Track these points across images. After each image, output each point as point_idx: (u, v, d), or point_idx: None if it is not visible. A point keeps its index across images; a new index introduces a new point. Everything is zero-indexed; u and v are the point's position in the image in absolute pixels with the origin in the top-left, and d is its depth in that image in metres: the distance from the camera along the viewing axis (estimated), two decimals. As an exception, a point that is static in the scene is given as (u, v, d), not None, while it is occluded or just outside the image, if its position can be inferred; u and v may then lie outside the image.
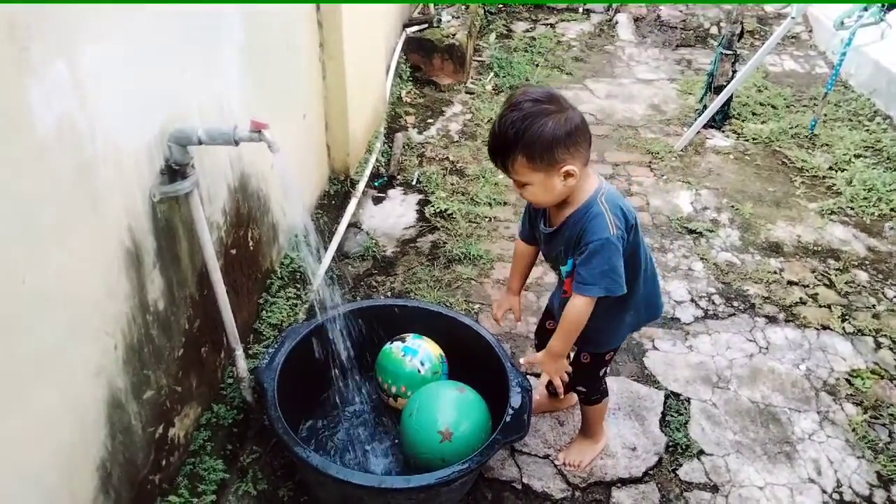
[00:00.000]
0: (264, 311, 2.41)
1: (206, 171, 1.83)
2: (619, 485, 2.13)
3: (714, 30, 6.20)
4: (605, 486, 2.12)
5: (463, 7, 5.37)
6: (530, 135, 1.56)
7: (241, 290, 2.19)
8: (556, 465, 2.18)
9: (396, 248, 3.18)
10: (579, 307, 1.73)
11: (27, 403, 1.22)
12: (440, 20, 5.04)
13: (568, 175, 1.61)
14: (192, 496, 1.79)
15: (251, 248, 2.28)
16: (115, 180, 1.44)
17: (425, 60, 4.84)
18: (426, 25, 4.95)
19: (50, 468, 1.30)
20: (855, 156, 3.95)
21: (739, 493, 2.10)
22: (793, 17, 3.68)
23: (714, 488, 2.12)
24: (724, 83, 4.24)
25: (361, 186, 3.34)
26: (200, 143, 1.58)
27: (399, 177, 3.75)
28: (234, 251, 2.10)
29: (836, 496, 2.11)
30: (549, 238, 1.82)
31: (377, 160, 3.71)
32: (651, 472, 2.16)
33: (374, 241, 3.18)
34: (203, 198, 1.77)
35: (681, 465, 2.19)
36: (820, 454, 2.23)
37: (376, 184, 3.64)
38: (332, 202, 3.13)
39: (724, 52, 4.23)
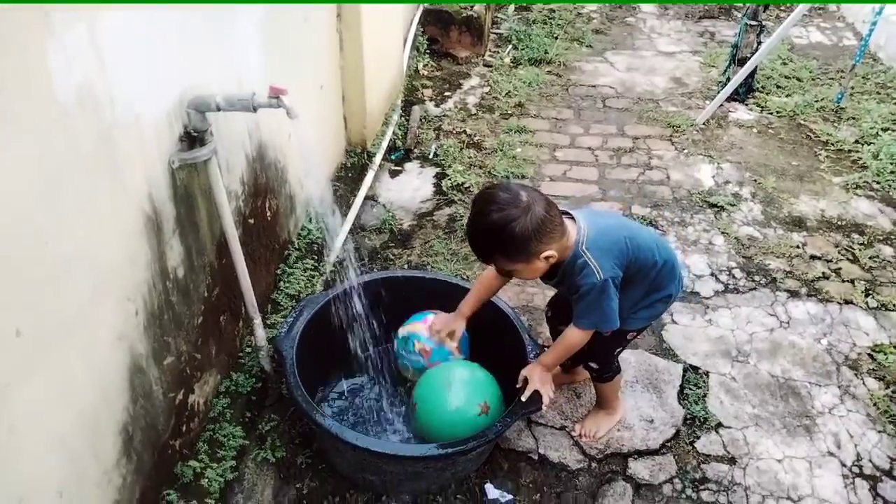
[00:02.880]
0: (282, 282, 2.42)
1: (224, 141, 1.83)
2: (635, 456, 2.13)
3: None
4: (621, 458, 2.13)
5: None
6: (502, 242, 1.66)
7: (258, 260, 2.20)
8: (572, 437, 2.19)
9: (413, 221, 3.18)
10: (574, 336, 1.87)
11: (53, 366, 1.24)
12: (458, -8, 4.96)
13: (548, 258, 1.71)
14: (211, 461, 1.82)
15: (269, 218, 2.29)
16: (135, 147, 1.44)
17: (442, 33, 4.78)
18: (443, -3, 4.88)
19: (74, 430, 1.32)
20: (882, 129, 3.86)
21: (757, 465, 2.10)
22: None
23: (732, 460, 2.11)
24: (749, 55, 4.15)
25: (378, 159, 3.33)
26: (219, 109, 1.58)
27: (416, 150, 3.73)
28: (251, 221, 2.10)
29: (855, 469, 2.09)
30: (554, 286, 1.96)
31: (394, 133, 3.69)
32: (668, 445, 2.16)
33: (390, 214, 3.17)
34: (221, 167, 1.77)
35: (698, 438, 2.18)
36: (840, 428, 2.21)
37: (393, 157, 3.62)
38: (348, 174, 3.13)
39: (749, 22, 4.13)
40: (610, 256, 1.77)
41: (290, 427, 2.13)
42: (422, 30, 4.74)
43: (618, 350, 2.07)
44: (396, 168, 3.58)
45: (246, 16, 1.95)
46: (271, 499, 1.96)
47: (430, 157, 3.67)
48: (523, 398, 1.90)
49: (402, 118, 3.90)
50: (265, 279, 2.29)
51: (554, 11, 5.61)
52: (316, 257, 2.60)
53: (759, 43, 4.15)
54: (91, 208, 1.31)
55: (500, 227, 1.64)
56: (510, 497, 2.02)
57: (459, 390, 1.95)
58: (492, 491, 2.03)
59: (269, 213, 2.28)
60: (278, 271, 2.42)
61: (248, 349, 2.14)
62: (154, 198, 1.53)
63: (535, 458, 2.13)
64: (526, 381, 1.93)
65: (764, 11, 4.12)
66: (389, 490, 1.98)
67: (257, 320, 2.00)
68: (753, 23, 4.12)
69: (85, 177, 1.28)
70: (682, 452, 2.14)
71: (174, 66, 1.56)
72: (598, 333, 1.94)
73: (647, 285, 1.92)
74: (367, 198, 3.25)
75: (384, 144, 3.45)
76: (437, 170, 3.55)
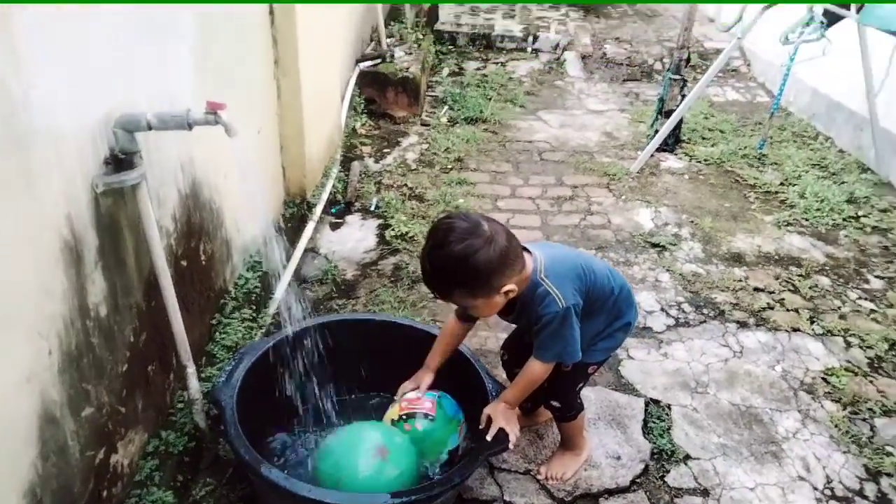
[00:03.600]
0: (217, 333, 2.24)
1: (156, 171, 1.70)
2: (606, 496, 2.01)
3: (658, 65, 6.42)
4: (591, 498, 2.00)
5: (415, 45, 5.42)
6: (465, 274, 1.57)
7: (192, 308, 2.03)
8: (538, 480, 2.05)
9: (357, 271, 3.06)
10: (536, 369, 1.79)
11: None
12: (393, 56, 5.05)
13: (508, 293, 1.64)
14: (139, 531, 1.59)
15: (203, 262, 2.13)
16: (54, 162, 1.30)
17: (379, 94, 4.81)
18: (379, 60, 4.95)
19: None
20: (803, 171, 4.05)
21: (731, 495, 2.01)
22: (738, 37, 3.80)
23: (704, 492, 2.01)
24: (674, 107, 4.33)
25: (319, 210, 3.23)
26: (150, 127, 1.46)
27: (357, 203, 3.65)
28: (184, 263, 1.95)
29: (827, 492, 2.03)
30: (512, 321, 1.90)
31: (333, 187, 3.61)
32: (638, 481, 2.05)
33: (333, 265, 3.05)
34: (152, 200, 1.63)
35: (668, 472, 2.08)
36: (806, 451, 2.16)
37: (333, 211, 3.53)
38: (288, 225, 3.00)
39: (673, 77, 4.33)
40: (569, 283, 1.72)
41: (229, 491, 1.92)
42: (359, 91, 4.76)
43: (580, 386, 1.98)
44: (337, 221, 3.48)
45: (180, 40, 1.87)
46: (209, 573, 1.72)
47: (372, 209, 3.60)
48: (489, 437, 1.77)
49: (342, 173, 3.84)
50: (199, 329, 2.11)
51: (486, 76, 5.78)
52: (255, 307, 2.44)
53: (683, 95, 4.34)
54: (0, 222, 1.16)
55: (462, 258, 1.55)
56: (477, 550, 1.85)
57: (344, 448, 1.81)
58: (457, 545, 1.86)
59: (203, 258, 2.13)
60: (213, 321, 2.24)
61: (180, 404, 1.93)
62: (74, 222, 1.38)
63: (501, 506, 1.97)
64: (489, 420, 1.81)
65: (686, 67, 4.34)
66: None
67: (191, 369, 1.81)
68: (676, 77, 4.32)
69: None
70: (654, 488, 2.03)
71: (101, 81, 1.45)
72: (559, 370, 1.86)
73: (607, 314, 1.87)
74: (307, 250, 3.13)
75: (324, 196, 3.36)
76: (380, 221, 3.47)
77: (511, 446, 1.79)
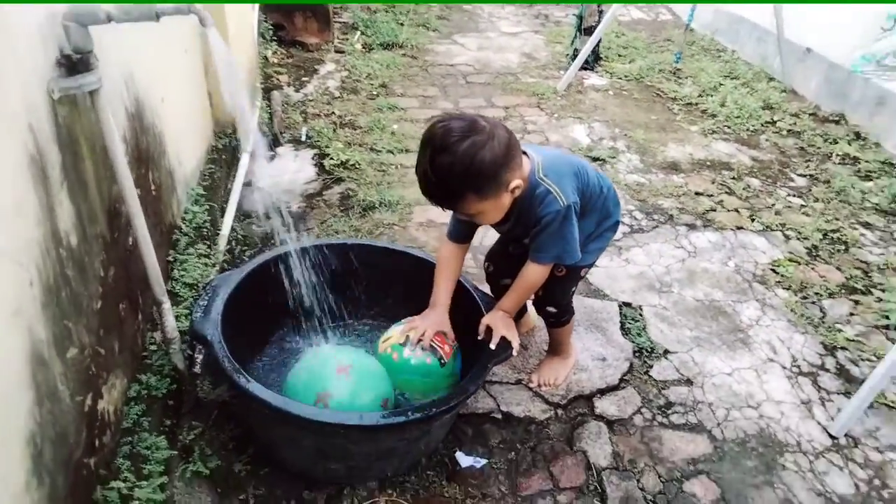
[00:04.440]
0: (175, 270, 2.03)
1: (105, 85, 1.45)
2: (598, 395, 2.04)
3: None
4: (585, 399, 2.03)
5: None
6: (474, 174, 1.47)
7: (149, 242, 1.81)
8: (530, 389, 2.05)
9: (302, 202, 2.88)
10: (534, 273, 1.74)
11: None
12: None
13: (516, 188, 1.56)
14: (138, 479, 1.44)
15: (154, 193, 1.91)
16: (8, 63, 1.07)
17: (287, 20, 4.50)
18: (282, -17, 4.59)
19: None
20: (719, 83, 4.21)
21: (712, 381, 2.10)
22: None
23: (688, 381, 2.10)
24: (594, 24, 4.34)
25: (251, 138, 2.98)
26: (110, 20, 1.24)
27: (285, 134, 3.43)
28: (139, 192, 1.72)
29: (794, 369, 2.17)
30: (507, 231, 1.80)
31: (259, 118, 3.35)
32: (626, 378, 2.10)
33: (275, 198, 2.85)
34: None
35: (651, 367, 2.14)
36: (770, 336, 2.30)
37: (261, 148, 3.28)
38: (222, 156, 2.76)
39: (591, -8, 4.32)
40: (568, 181, 1.68)
41: (219, 432, 1.78)
42: (264, 17, 4.41)
43: (573, 290, 1.97)
44: (269, 153, 3.25)
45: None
46: (212, 518, 1.60)
47: (303, 140, 3.39)
48: (492, 346, 1.73)
49: (265, 103, 3.57)
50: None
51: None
52: (207, 243, 2.23)
53: (601, 11, 4.36)
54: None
55: (469, 157, 1.45)
56: (484, 461, 1.83)
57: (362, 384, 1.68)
58: (464, 459, 1.83)
59: (153, 188, 1.90)
60: (169, 258, 2.03)
61: (153, 346, 1.75)
62: (36, 133, 1.16)
63: (499, 416, 1.96)
64: (489, 330, 1.76)
65: (603, -19, 4.34)
66: (355, 478, 1.70)
67: (166, 305, 1.63)
68: (594, -8, 4.32)
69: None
70: (641, 383, 2.09)
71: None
72: (553, 275, 1.83)
73: (598, 214, 1.85)
74: (244, 185, 2.90)
75: (253, 123, 3.11)
76: (314, 151, 3.28)
77: (514, 353, 1.76)
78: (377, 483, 1.73)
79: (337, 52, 4.56)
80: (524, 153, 1.66)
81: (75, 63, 1.27)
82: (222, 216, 2.51)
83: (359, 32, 4.85)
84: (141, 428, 1.54)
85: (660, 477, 1.79)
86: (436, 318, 1.78)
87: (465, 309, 1.88)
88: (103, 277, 1.46)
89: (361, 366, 1.72)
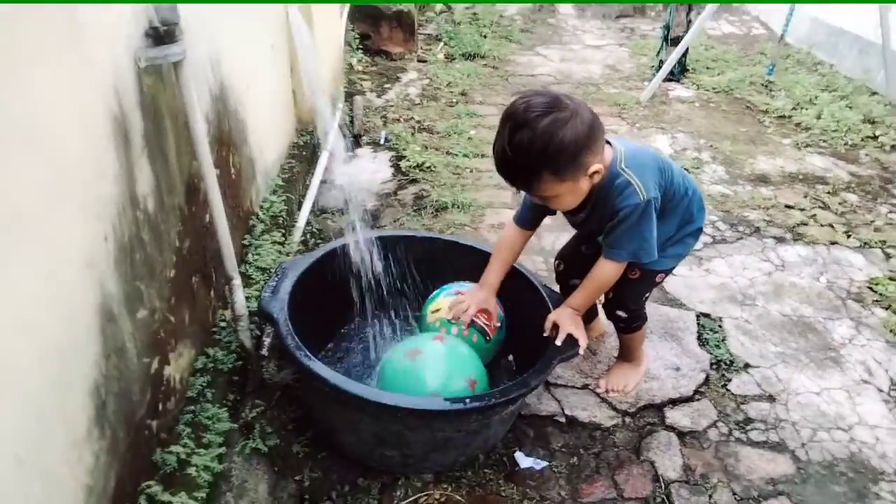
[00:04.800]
0: (249, 254, 2.08)
1: (191, 66, 1.51)
2: (670, 405, 1.93)
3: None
4: (656, 409, 1.92)
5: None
6: (554, 152, 1.41)
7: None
8: (598, 394, 1.96)
9: (378, 201, 2.91)
10: (607, 270, 1.67)
11: (9, 270, 0.89)
12: (384, -9, 4.81)
13: (595, 174, 1.50)
14: (197, 447, 1.46)
15: (233, 176, 1.97)
16: (98, 25, 1.13)
17: (373, 29, 4.60)
18: (371, -6, 4.71)
19: (36, 372, 0.97)
20: (815, 96, 3.99)
21: (798, 400, 1.95)
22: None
23: (770, 398, 1.95)
24: (681, 34, 4.22)
25: (332, 137, 3.05)
26: (195, -7, 1.28)
27: (365, 137, 3.49)
28: (217, 172, 1.77)
29: (893, 393, 1.98)
30: (581, 223, 1.73)
31: (341, 120, 3.43)
32: (701, 390, 1.98)
33: (351, 196, 2.89)
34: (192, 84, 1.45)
35: (730, 380, 2.01)
36: (866, 356, 2.12)
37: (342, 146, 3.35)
38: (302, 153, 2.83)
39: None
40: (650, 175, 1.59)
41: (280, 413, 1.79)
42: (352, 26, 4.54)
43: (646, 295, 1.88)
44: (348, 154, 3.31)
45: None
46: (267, 495, 1.60)
47: (382, 142, 3.43)
48: (557, 342, 1.66)
49: (346, 107, 3.66)
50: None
51: (477, 15, 5.59)
52: (283, 231, 2.28)
53: (689, 21, 4.23)
54: (50, 72, 0.99)
55: (549, 134, 1.39)
56: (545, 464, 1.76)
57: (435, 368, 1.66)
58: (524, 460, 1.77)
59: (233, 171, 1.96)
60: (244, 242, 2.09)
61: (223, 323, 1.79)
62: (121, 96, 1.21)
63: (563, 420, 1.88)
64: (555, 326, 1.70)
65: (693, -9, 4.21)
66: (411, 468, 1.67)
67: (237, 281, 1.67)
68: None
69: (44, 34, 0.96)
70: (717, 396, 1.96)
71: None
72: (626, 277, 1.75)
73: (679, 216, 1.75)
74: (322, 182, 2.96)
75: (335, 124, 3.18)
76: (392, 153, 3.32)
77: (581, 352, 1.69)
78: (432, 476, 1.70)
79: (420, 61, 4.63)
80: (608, 142, 1.60)
81: (162, 35, 1.32)
82: (299, 209, 2.56)
83: (442, 43, 4.91)
84: (204, 399, 1.57)
85: (734, 494, 1.66)
86: (481, 297, 1.78)
87: (530, 305, 1.83)
88: (178, 248, 1.51)
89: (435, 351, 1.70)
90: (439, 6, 5.51)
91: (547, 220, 1.86)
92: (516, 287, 1.90)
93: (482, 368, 1.71)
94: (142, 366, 1.32)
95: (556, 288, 2.01)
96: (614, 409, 1.92)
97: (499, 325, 1.83)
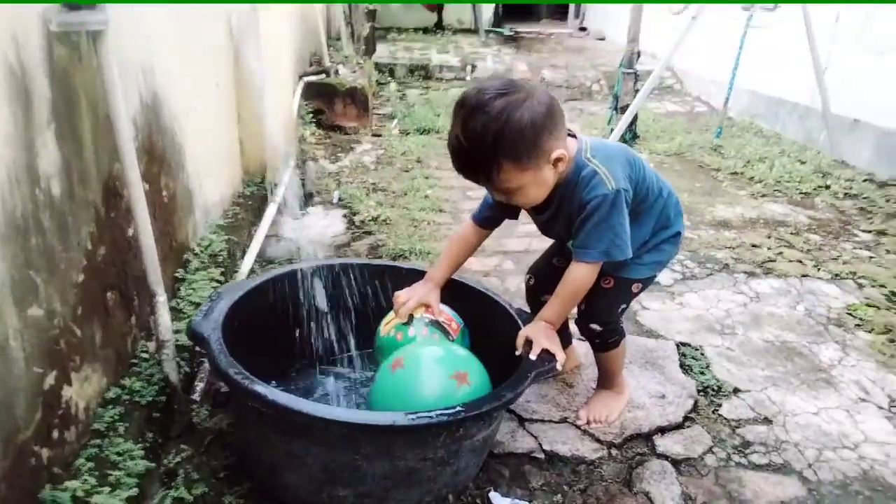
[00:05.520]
0: (182, 289, 1.87)
1: (117, 59, 1.37)
2: (659, 434, 1.73)
3: (595, 87, 6.54)
4: (644, 438, 1.71)
5: (357, 67, 5.27)
6: (512, 134, 1.31)
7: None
8: (578, 427, 1.75)
9: (329, 252, 2.74)
10: (580, 274, 1.52)
11: None
12: (337, 72, 4.87)
13: (558, 161, 1.40)
14: (101, 484, 1.19)
15: (165, 199, 1.79)
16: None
17: (327, 105, 4.60)
18: (324, 75, 4.76)
19: None
20: (763, 156, 4.06)
21: (796, 421, 1.77)
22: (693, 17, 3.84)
23: (767, 420, 1.77)
24: (629, 102, 4.32)
25: (282, 191, 2.91)
26: (115, -49, 1.17)
27: (317, 197, 3.36)
28: (147, 186, 1.60)
29: (894, 409, 1.82)
30: (548, 222, 1.60)
31: (291, 180, 3.30)
32: (691, 416, 1.79)
33: (299, 248, 2.72)
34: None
35: (721, 405, 1.83)
36: (858, 376, 1.97)
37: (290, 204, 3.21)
38: (248, 203, 2.67)
39: (626, 71, 4.34)
40: (619, 166, 1.48)
41: (211, 459, 1.52)
42: (306, 103, 4.53)
43: (622, 307, 1.72)
44: (296, 213, 3.16)
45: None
46: (193, 555, 1.31)
47: (335, 202, 3.31)
48: (532, 356, 1.48)
49: (299, 171, 3.55)
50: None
51: (430, 99, 5.69)
52: (223, 271, 2.08)
53: (636, 91, 4.34)
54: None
55: (506, 116, 1.29)
56: (525, 503, 1.51)
57: (422, 367, 1.47)
58: (500, 500, 1.52)
59: (165, 193, 1.79)
60: (177, 275, 1.88)
61: (144, 354, 1.55)
62: (21, 49, 1.06)
63: (541, 456, 1.65)
64: (528, 342, 1.52)
65: (637, 60, 4.36)
66: (367, 511, 1.41)
67: (160, 297, 1.45)
68: (629, 71, 4.34)
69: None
70: (709, 422, 1.77)
71: None
72: (598, 287, 1.61)
73: (654, 219, 1.63)
74: (268, 236, 2.79)
75: (285, 178, 3.05)
76: (346, 210, 3.18)
77: (559, 367, 1.50)
78: (394, 523, 1.43)
79: (374, 135, 4.61)
80: (572, 135, 1.50)
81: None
82: (242, 256, 2.37)
83: (396, 120, 4.94)
84: (115, 433, 1.31)
85: (743, 522, 1.44)
86: (422, 290, 1.62)
87: (500, 327, 1.65)
88: (89, 251, 1.31)
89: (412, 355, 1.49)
90: (393, 86, 5.62)
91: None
92: (482, 308, 1.72)
93: (470, 357, 1.49)
94: (31, 375, 1.09)
95: (527, 308, 1.84)
96: (598, 440, 1.70)
97: (460, 326, 1.64)
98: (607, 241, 1.48)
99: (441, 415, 1.27)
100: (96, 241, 1.33)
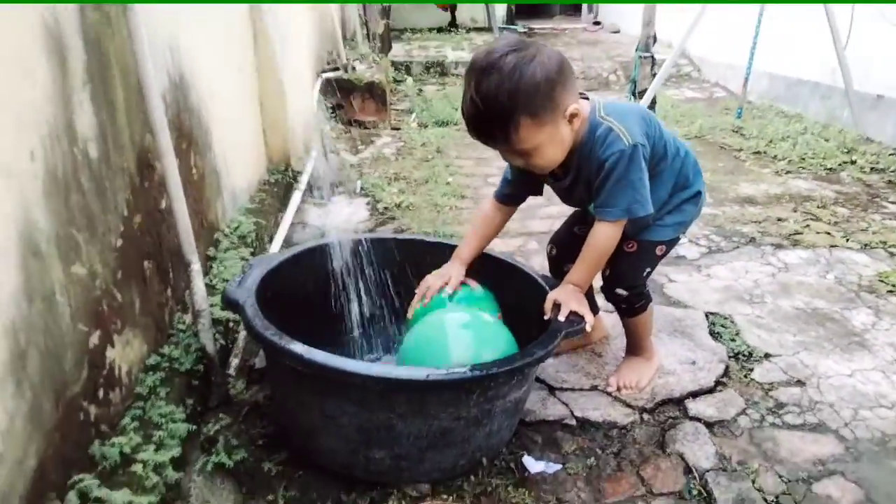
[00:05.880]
0: (214, 266, 1.90)
1: (145, 35, 1.41)
2: (690, 398, 1.72)
3: (612, 77, 6.52)
4: (675, 403, 1.71)
5: (373, 63, 5.31)
6: (526, 89, 1.30)
7: (186, 223, 1.70)
8: (609, 394, 1.75)
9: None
10: (604, 234, 1.52)
11: None
12: (354, 68, 4.91)
13: (573, 116, 1.40)
14: (146, 443, 1.21)
15: (195, 177, 1.82)
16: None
17: (346, 101, 4.63)
18: (342, 72, 4.80)
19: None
20: (786, 135, 4.03)
21: (830, 382, 1.75)
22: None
23: (800, 383, 1.76)
24: (647, 86, 4.31)
25: (305, 178, 2.94)
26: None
27: (340, 188, 3.39)
28: (178, 161, 1.63)
29: (932, 370, 1.80)
30: (568, 189, 1.59)
31: (314, 169, 3.34)
32: (722, 381, 1.78)
33: (325, 234, 2.74)
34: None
35: (752, 370, 1.82)
36: (894, 338, 1.94)
37: (314, 194, 3.24)
38: (274, 190, 2.70)
39: (642, 55, 4.33)
40: (634, 122, 1.48)
41: (249, 428, 1.55)
42: (324, 99, 4.57)
43: (647, 270, 1.72)
44: (320, 202, 3.19)
45: None
46: (233, 517, 1.33)
47: (357, 191, 3.33)
48: (561, 318, 1.48)
49: (321, 162, 3.58)
50: (194, 253, 1.77)
51: (448, 95, 5.70)
52: (252, 251, 2.11)
53: (654, 74, 4.33)
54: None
55: (518, 72, 1.29)
56: (558, 466, 1.52)
57: (462, 339, 1.48)
58: (533, 464, 1.53)
59: (195, 171, 1.82)
60: (209, 254, 1.91)
61: (182, 326, 1.58)
62: (57, 9, 1.09)
63: (573, 423, 1.65)
64: (556, 306, 1.52)
65: (654, 44, 4.35)
66: (404, 473, 1.42)
67: (195, 265, 1.48)
68: (646, 55, 4.33)
69: None
70: (742, 385, 1.76)
71: None
72: (621, 250, 1.61)
73: (673, 178, 1.63)
74: (294, 223, 2.82)
75: (308, 167, 3.09)
76: (368, 199, 3.21)
77: (588, 328, 1.51)
78: (429, 486, 1.44)
79: (393, 129, 4.64)
80: (584, 97, 1.51)
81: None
82: (270, 241, 2.40)
83: (414, 114, 4.96)
84: (157, 396, 1.34)
85: (780, 477, 1.43)
86: (448, 270, 1.63)
87: (524, 293, 1.65)
88: (126, 217, 1.34)
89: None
90: (410, 81, 5.65)
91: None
92: (508, 279, 1.73)
93: (498, 323, 1.51)
94: (77, 333, 1.11)
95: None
96: (629, 406, 1.70)
97: (482, 290, 1.65)
98: (629, 198, 1.47)
99: (475, 369, 1.28)
100: (132, 208, 1.36)
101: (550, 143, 1.41)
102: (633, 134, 1.45)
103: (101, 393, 1.18)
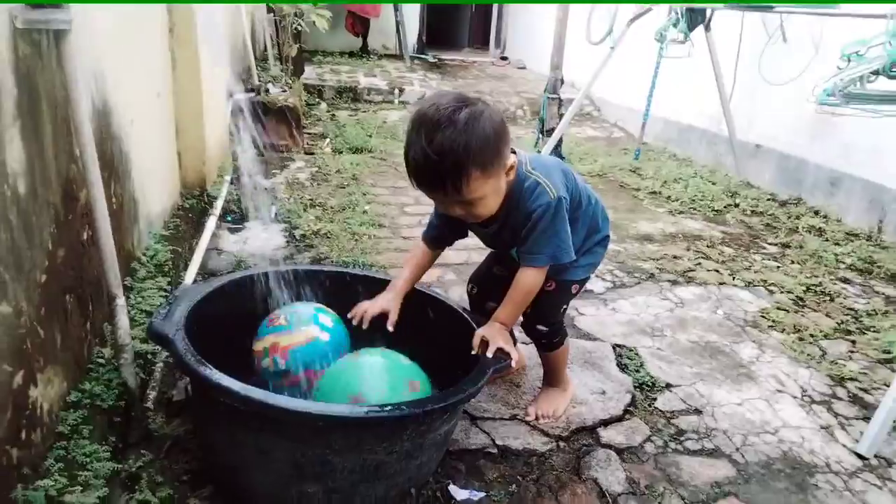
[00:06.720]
0: (131, 297, 1.84)
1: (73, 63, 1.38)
2: (602, 426, 1.84)
3: (519, 112, 6.80)
4: (588, 431, 1.82)
5: (286, 86, 5.28)
6: (478, 144, 1.37)
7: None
8: (528, 423, 1.84)
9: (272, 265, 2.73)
10: (530, 278, 1.62)
11: None
12: (268, 90, 4.87)
13: (510, 169, 1.51)
14: (72, 484, 1.17)
15: (114, 206, 1.77)
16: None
17: (258, 124, 4.57)
18: (254, 94, 4.74)
19: None
20: (679, 177, 4.36)
21: (723, 410, 1.93)
22: (611, 48, 4.09)
23: (697, 411, 1.92)
24: (554, 126, 4.54)
25: (220, 203, 2.89)
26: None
27: (254, 213, 3.34)
28: (100, 191, 1.59)
29: (806, 398, 2.02)
30: (494, 236, 1.69)
31: (229, 193, 3.28)
32: (630, 409, 1.92)
33: (241, 262, 2.70)
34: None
35: (655, 399, 1.97)
36: (774, 370, 2.16)
37: (228, 218, 3.18)
38: (188, 215, 2.64)
39: (551, 96, 4.57)
40: (557, 176, 1.61)
41: (172, 464, 1.51)
42: (236, 121, 4.49)
43: (564, 307, 1.84)
44: (236, 227, 3.14)
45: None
46: (157, 559, 1.30)
47: (273, 217, 3.30)
48: (488, 354, 1.56)
49: (232, 186, 3.52)
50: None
51: (360, 120, 5.75)
52: (169, 281, 2.06)
53: (561, 114, 4.58)
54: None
55: (471, 127, 1.35)
56: (482, 494, 1.59)
57: (375, 377, 1.52)
58: (459, 492, 1.59)
59: (115, 201, 1.77)
60: (125, 283, 1.85)
61: (100, 360, 1.52)
62: (-4, 43, 1.06)
63: (495, 451, 1.73)
64: (483, 343, 1.60)
65: (561, 86, 4.60)
66: (333, 507, 1.44)
67: (120, 300, 1.44)
68: (554, 96, 4.57)
69: None
70: (646, 414, 1.90)
71: None
72: (543, 289, 1.71)
73: (586, 225, 1.77)
74: (209, 249, 2.76)
75: (223, 192, 3.03)
76: (284, 225, 3.19)
77: (514, 365, 1.60)
78: (359, 518, 1.47)
79: (307, 153, 4.62)
80: (512, 150, 1.61)
81: None
82: (185, 269, 2.34)
83: (328, 139, 4.97)
84: (80, 436, 1.29)
85: (683, 500, 1.57)
86: (385, 298, 1.69)
87: (454, 330, 1.72)
88: (51, 252, 1.29)
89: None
90: (323, 106, 5.65)
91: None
92: (437, 315, 1.79)
93: (420, 373, 1.55)
94: (2, 374, 1.07)
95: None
96: (547, 434, 1.80)
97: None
98: (553, 246, 1.59)
99: (412, 406, 1.32)
100: (56, 242, 1.32)
101: (493, 194, 1.49)
102: (557, 187, 1.56)
103: (23, 434, 1.14)
